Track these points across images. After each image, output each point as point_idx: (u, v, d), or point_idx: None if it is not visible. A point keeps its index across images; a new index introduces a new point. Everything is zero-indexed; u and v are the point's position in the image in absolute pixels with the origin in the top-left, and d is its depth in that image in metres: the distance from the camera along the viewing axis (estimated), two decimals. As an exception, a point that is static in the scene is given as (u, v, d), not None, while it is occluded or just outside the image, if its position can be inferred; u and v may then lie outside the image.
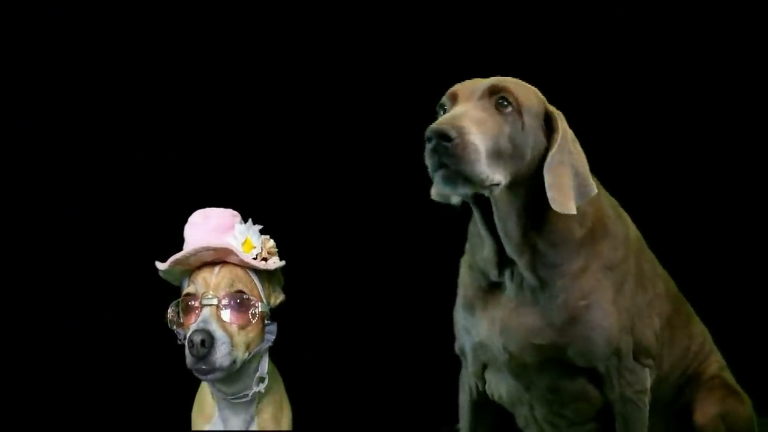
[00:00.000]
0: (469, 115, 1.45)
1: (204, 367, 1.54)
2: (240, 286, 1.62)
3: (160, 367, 1.64)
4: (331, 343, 2.37)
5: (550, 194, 1.51)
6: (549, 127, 1.56)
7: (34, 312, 2.54)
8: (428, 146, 1.42)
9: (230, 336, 1.57)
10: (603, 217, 1.65)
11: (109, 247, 2.53)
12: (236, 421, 1.69)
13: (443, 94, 1.60)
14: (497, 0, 2.59)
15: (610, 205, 1.70)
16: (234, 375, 1.65)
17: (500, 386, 1.73)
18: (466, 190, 1.46)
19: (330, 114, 2.64)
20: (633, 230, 1.74)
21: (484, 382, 1.77)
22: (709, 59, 2.53)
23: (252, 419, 1.71)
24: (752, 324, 2.47)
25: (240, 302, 1.60)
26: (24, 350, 2.53)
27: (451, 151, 1.40)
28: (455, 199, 1.60)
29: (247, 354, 1.62)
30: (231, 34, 2.61)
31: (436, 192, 1.59)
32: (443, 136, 1.40)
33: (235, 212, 1.70)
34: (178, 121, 2.60)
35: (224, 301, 1.59)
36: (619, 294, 1.63)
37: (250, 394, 1.67)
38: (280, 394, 1.77)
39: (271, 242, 1.71)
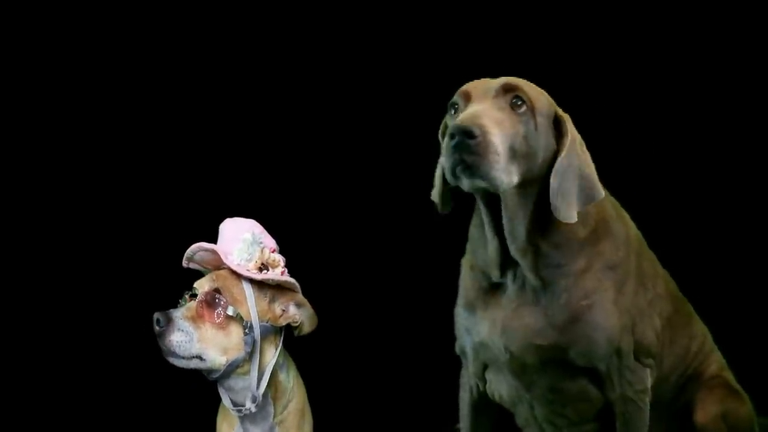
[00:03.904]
0: (488, 114, 1.46)
1: (162, 347, 1.63)
2: (219, 287, 1.67)
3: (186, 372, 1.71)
4: (333, 345, 2.36)
5: (553, 201, 1.52)
6: (558, 129, 1.57)
7: (61, 315, 2.58)
8: (450, 143, 1.43)
9: (198, 329, 1.63)
10: (605, 217, 1.66)
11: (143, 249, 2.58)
12: (256, 431, 1.73)
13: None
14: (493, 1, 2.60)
15: (611, 204, 1.71)
16: (231, 385, 1.70)
17: (500, 386, 1.73)
18: (481, 184, 1.47)
19: (330, 120, 2.66)
20: (633, 229, 1.74)
21: (485, 383, 1.77)
22: (709, 60, 2.53)
23: (272, 429, 1.73)
24: (752, 323, 2.47)
25: (213, 300, 1.65)
26: (49, 352, 2.57)
27: (473, 149, 1.42)
28: (446, 206, 1.67)
29: (225, 359, 1.65)
30: (251, 43, 2.64)
31: (436, 193, 1.65)
32: (467, 134, 1.41)
33: (257, 224, 1.75)
34: (214, 132, 2.65)
35: (201, 297, 1.66)
36: (620, 294, 1.63)
37: (243, 410, 1.69)
38: (303, 402, 1.80)
39: (270, 255, 1.73)
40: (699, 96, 2.53)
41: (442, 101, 1.67)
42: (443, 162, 1.49)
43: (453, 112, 1.56)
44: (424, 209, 2.52)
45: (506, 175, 1.45)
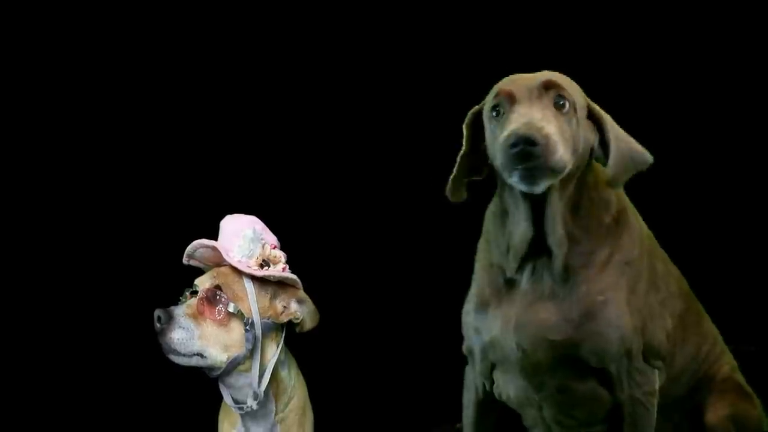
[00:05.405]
0: (542, 117, 1.50)
1: (162, 345, 1.62)
2: (220, 284, 1.67)
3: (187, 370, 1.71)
4: (334, 342, 2.37)
5: (614, 171, 1.57)
6: (591, 117, 1.60)
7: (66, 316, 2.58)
8: (512, 151, 1.46)
9: (199, 326, 1.63)
10: (625, 206, 1.68)
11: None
12: (257, 430, 1.73)
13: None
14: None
15: (628, 199, 1.72)
16: (232, 382, 1.69)
17: (508, 387, 1.72)
18: (545, 183, 1.51)
19: (330, 116, 2.67)
20: (645, 228, 1.75)
21: (492, 382, 1.76)
22: (711, 59, 2.54)
23: (273, 426, 1.73)
24: (761, 324, 2.46)
25: (214, 296, 1.65)
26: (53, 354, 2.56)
27: (538, 153, 1.45)
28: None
29: (226, 356, 1.65)
30: (252, 43, 2.64)
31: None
32: (530, 142, 1.45)
33: (257, 220, 1.75)
34: (214, 129, 2.66)
35: (202, 294, 1.66)
36: (633, 294, 1.64)
37: (244, 408, 1.69)
38: (304, 400, 1.80)
39: (271, 251, 1.73)
40: (707, 95, 2.53)
41: (440, 99, 1.67)
42: (498, 160, 1.52)
43: (495, 114, 1.57)
44: (425, 205, 2.54)
45: (569, 159, 1.50)
